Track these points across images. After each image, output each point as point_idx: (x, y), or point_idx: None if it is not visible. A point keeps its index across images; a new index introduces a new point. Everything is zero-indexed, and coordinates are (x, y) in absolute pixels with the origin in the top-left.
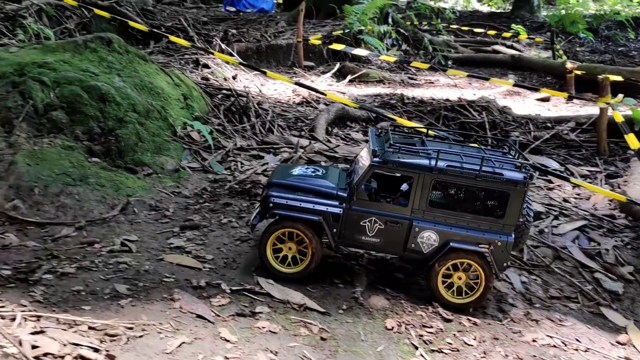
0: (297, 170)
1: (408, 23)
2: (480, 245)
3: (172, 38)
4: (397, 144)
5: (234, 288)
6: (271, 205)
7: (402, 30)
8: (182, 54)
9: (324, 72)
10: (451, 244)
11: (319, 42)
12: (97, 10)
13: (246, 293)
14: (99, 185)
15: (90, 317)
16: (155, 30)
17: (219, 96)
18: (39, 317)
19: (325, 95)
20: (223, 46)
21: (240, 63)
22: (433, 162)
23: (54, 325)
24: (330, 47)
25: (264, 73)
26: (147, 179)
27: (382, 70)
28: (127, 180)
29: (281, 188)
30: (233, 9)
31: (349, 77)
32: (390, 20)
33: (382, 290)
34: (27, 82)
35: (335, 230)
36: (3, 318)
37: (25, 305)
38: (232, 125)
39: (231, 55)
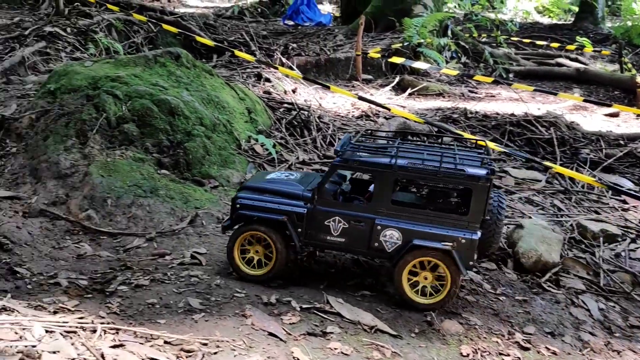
0: (272, 175)
1: (467, 35)
2: (443, 243)
3: (237, 52)
4: (358, 143)
5: (304, 306)
6: (238, 206)
7: (461, 43)
8: (244, 67)
9: (382, 86)
10: (414, 241)
11: (378, 55)
12: (165, 26)
13: (316, 311)
14: (168, 197)
15: (166, 331)
16: (219, 44)
17: (281, 110)
18: (117, 329)
19: (389, 109)
20: (284, 60)
21: (304, 77)
22: (394, 160)
23: (132, 339)
24: (390, 60)
25: (327, 87)
26: (213, 192)
27: (441, 83)
28: (195, 192)
29: (250, 190)
30: (291, 23)
31: (408, 91)
32: (449, 32)
33: (454, 314)
34: (100, 96)
35: (300, 230)
36: (84, 330)
37: (103, 317)
38: (293, 138)
39: (291, 69)
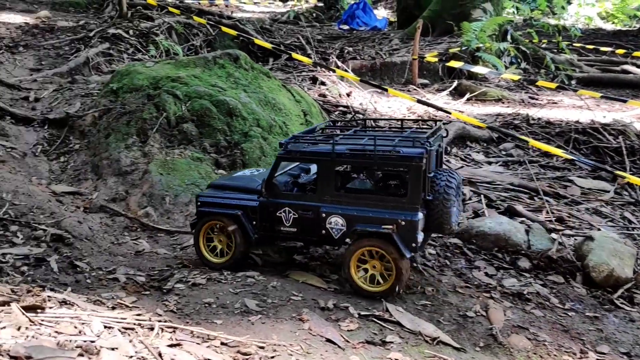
0: (239, 173)
1: (526, 41)
2: (383, 226)
3: (294, 55)
4: (299, 135)
5: (362, 313)
6: (199, 203)
7: (522, 48)
8: (299, 71)
9: (439, 90)
10: (356, 226)
11: (435, 59)
12: (224, 28)
13: (375, 319)
14: None
15: (223, 332)
16: (276, 47)
17: (336, 113)
18: (174, 328)
19: (449, 113)
20: (339, 63)
21: (361, 80)
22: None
23: (189, 338)
24: (448, 64)
25: (385, 90)
26: None
27: (500, 89)
28: None
29: (213, 188)
30: (347, 28)
31: (466, 96)
32: (509, 37)
33: (521, 329)
34: (161, 95)
35: (254, 222)
36: (142, 327)
37: (160, 315)
38: None
39: (346, 72)
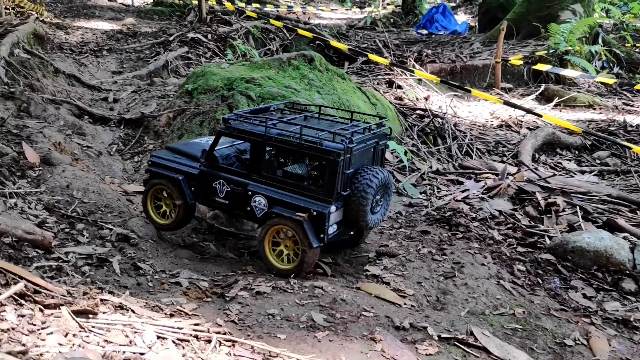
0: (197, 140)
1: (619, 44)
2: (297, 214)
3: (371, 56)
4: (242, 112)
5: (442, 335)
6: (149, 162)
7: (615, 51)
8: (375, 74)
9: (523, 95)
10: (274, 209)
11: (520, 62)
12: (300, 31)
13: (457, 343)
14: None
15: (286, 348)
16: (352, 49)
17: (413, 116)
18: (233, 342)
19: (540, 116)
20: (417, 66)
21: (442, 81)
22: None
23: (249, 354)
24: (535, 67)
25: (468, 91)
26: None
27: (591, 94)
28: None
29: (168, 150)
30: (425, 32)
31: (555, 101)
32: (600, 40)
33: None
34: (234, 96)
35: (193, 189)
36: (198, 339)
37: (220, 325)
38: (426, 147)
39: (425, 73)
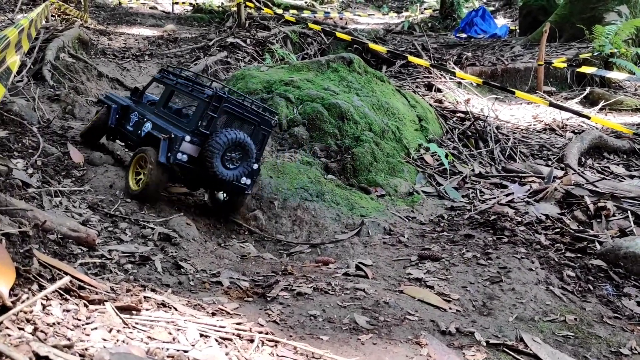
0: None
1: None
2: (163, 135)
3: (411, 58)
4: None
5: (491, 341)
6: (104, 97)
7: None
8: (414, 77)
9: (567, 99)
10: (153, 131)
11: (564, 65)
12: (338, 34)
13: (507, 350)
14: (334, 202)
15: (329, 350)
16: (391, 51)
17: (453, 119)
18: (276, 342)
19: (588, 118)
20: (457, 69)
21: (484, 82)
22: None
23: (291, 355)
24: (579, 70)
25: (512, 93)
26: (380, 201)
27: (638, 97)
28: (361, 199)
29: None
30: (464, 36)
31: (600, 104)
32: None
33: None
34: (274, 99)
35: (117, 116)
36: (241, 338)
37: (262, 325)
38: (467, 150)
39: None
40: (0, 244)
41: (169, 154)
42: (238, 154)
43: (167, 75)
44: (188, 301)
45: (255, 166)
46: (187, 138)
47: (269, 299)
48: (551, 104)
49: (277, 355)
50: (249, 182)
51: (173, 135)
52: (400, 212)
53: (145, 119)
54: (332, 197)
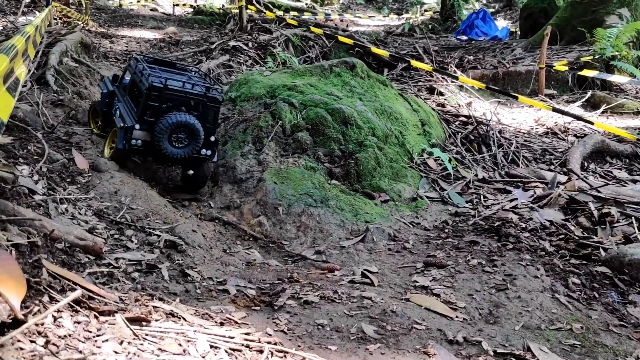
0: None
1: None
2: (120, 124)
3: (414, 62)
4: (148, 57)
5: (498, 350)
6: (104, 80)
7: None
8: (416, 81)
9: (569, 102)
10: (116, 117)
11: (565, 68)
12: (340, 38)
13: (514, 359)
14: (338, 208)
15: None
16: (394, 55)
17: (456, 123)
18: (285, 353)
19: (591, 123)
20: (458, 72)
21: (487, 87)
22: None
23: None
24: (581, 73)
25: (515, 98)
26: (384, 206)
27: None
28: (365, 205)
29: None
30: (465, 38)
31: (602, 108)
32: None
33: None
34: (277, 104)
35: (107, 100)
36: (250, 349)
37: (270, 335)
38: (470, 154)
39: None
40: (10, 255)
41: (124, 142)
42: (185, 134)
43: (135, 64)
44: (196, 310)
45: (212, 138)
46: (137, 127)
47: (276, 307)
48: (554, 110)
49: None
50: (209, 152)
51: (127, 125)
52: (405, 218)
53: (116, 105)
54: (336, 202)
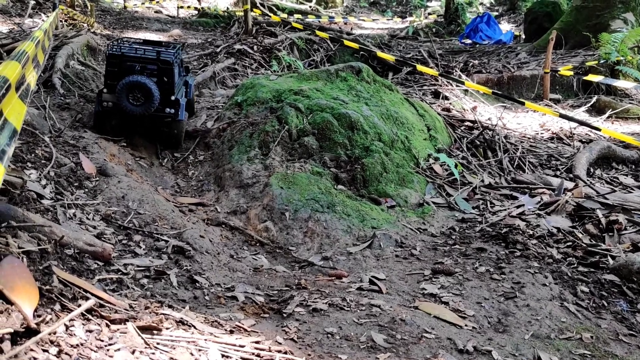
0: None
1: None
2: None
3: (419, 67)
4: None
5: (508, 359)
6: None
7: None
8: (421, 85)
9: (574, 107)
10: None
11: (570, 73)
12: (346, 42)
13: None
14: (345, 214)
15: None
16: (399, 59)
17: (462, 128)
18: None
19: (598, 130)
20: (463, 77)
21: (494, 92)
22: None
23: None
24: (586, 78)
25: (522, 103)
26: (390, 212)
27: None
28: (372, 211)
29: None
30: (469, 42)
31: (607, 113)
32: None
33: None
34: (283, 108)
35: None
36: (260, 358)
37: (280, 343)
38: (476, 159)
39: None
40: (22, 263)
41: (98, 105)
42: (140, 93)
43: (115, 45)
44: (205, 318)
45: (173, 97)
46: (105, 90)
47: (285, 315)
48: (561, 116)
49: None
50: (172, 111)
51: (99, 90)
52: (411, 224)
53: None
54: (343, 208)
